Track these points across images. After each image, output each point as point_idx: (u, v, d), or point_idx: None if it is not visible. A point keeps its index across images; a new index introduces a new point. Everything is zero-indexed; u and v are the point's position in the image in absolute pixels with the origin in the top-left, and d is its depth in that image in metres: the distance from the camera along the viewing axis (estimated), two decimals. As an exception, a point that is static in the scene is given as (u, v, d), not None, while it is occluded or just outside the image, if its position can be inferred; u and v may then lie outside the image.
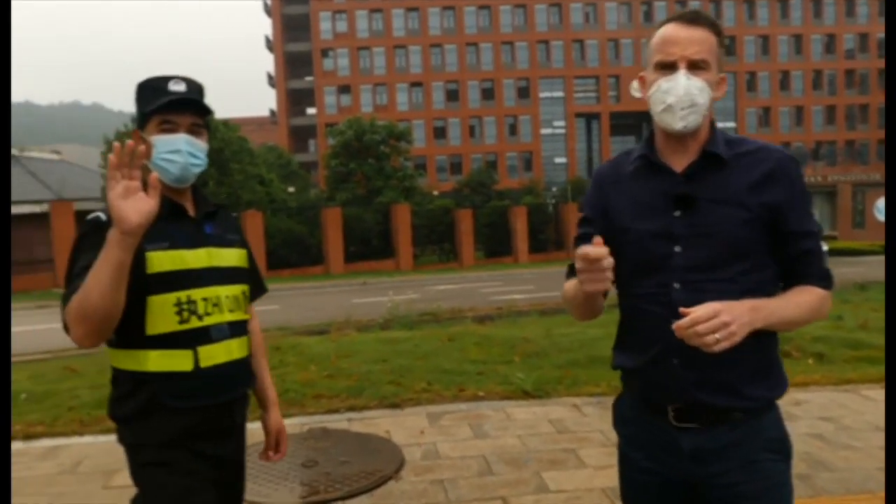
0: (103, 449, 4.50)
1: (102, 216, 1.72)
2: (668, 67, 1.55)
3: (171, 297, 1.75)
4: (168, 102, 1.78)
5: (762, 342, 1.54)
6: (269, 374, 2.16)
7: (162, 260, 1.75)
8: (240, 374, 1.93)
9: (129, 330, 1.71)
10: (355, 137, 36.33)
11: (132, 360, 1.76)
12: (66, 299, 1.63)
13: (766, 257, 1.57)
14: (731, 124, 59.99)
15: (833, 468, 3.72)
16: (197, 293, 1.80)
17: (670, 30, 1.57)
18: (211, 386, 1.82)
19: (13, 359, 8.87)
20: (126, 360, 1.78)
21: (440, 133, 60.16)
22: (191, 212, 1.91)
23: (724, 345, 1.37)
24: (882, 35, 59.91)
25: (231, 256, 1.94)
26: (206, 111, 1.86)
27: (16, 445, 4.66)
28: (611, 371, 5.94)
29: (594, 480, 3.62)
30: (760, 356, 1.58)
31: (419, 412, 4.95)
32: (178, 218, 1.84)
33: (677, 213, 1.57)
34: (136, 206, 1.54)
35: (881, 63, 59.55)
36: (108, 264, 1.54)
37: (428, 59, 60.04)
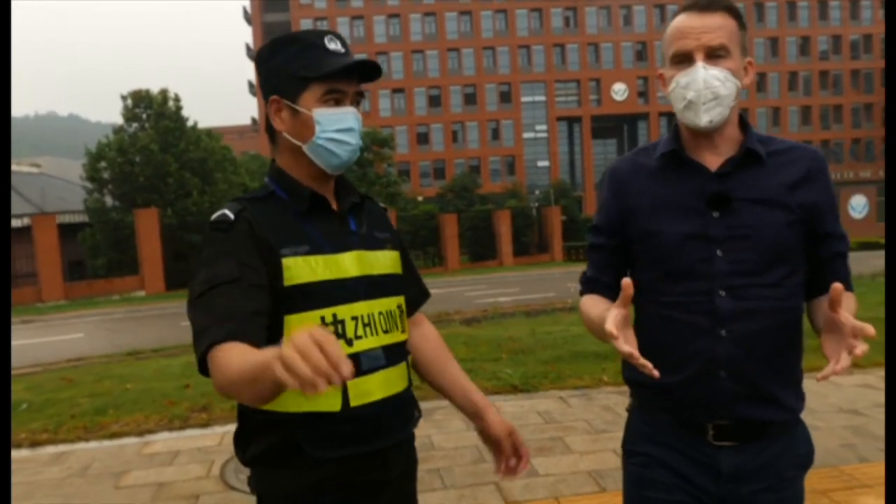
0: (110, 453, 4.67)
1: (230, 214, 1.39)
2: (684, 60, 1.43)
3: (314, 316, 1.39)
4: (340, 68, 1.40)
5: (796, 348, 1.50)
6: (468, 379, 1.71)
7: (301, 268, 1.39)
8: (399, 413, 1.52)
9: None
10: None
11: None
12: (202, 335, 1.27)
13: (802, 261, 1.49)
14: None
15: (801, 448, 4.00)
16: (345, 310, 1.42)
17: (683, 20, 1.44)
18: (363, 430, 1.43)
19: (7, 370, 8.98)
20: None
21: (423, 139, 60.49)
22: (333, 205, 1.51)
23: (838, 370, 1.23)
24: (854, 37, 61.18)
25: (384, 261, 1.55)
26: (374, 76, 1.48)
27: (22, 453, 4.81)
28: (593, 365, 6.26)
29: (580, 464, 3.87)
30: (795, 363, 1.52)
31: (412, 409, 5.18)
32: (320, 213, 1.47)
33: (716, 214, 1.45)
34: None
35: (853, 64, 60.80)
36: (260, 383, 1.11)
37: (410, 64, 60.40)
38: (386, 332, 1.49)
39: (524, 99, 61.77)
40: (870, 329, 1.18)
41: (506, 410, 5.00)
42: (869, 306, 9.64)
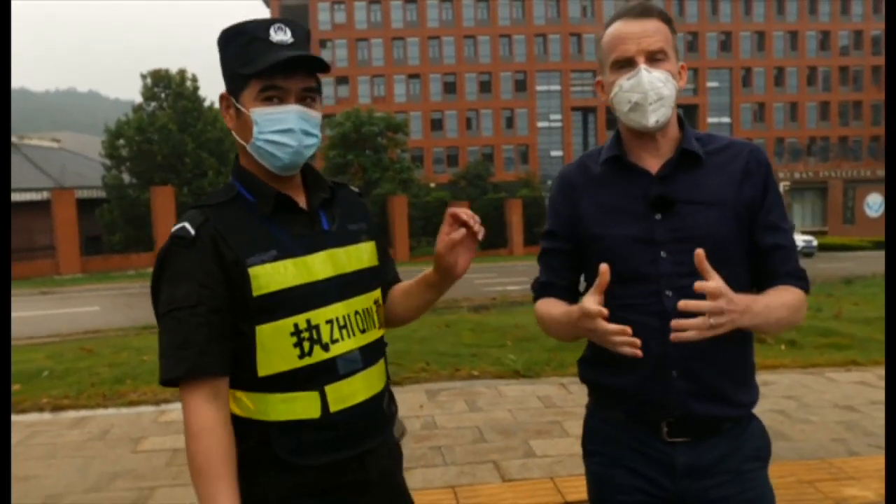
0: (128, 419, 4.89)
1: (190, 229, 1.33)
2: (626, 65, 1.48)
3: (287, 324, 1.34)
4: (274, 64, 1.31)
5: (746, 347, 1.53)
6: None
7: (270, 276, 1.33)
8: (378, 414, 1.48)
9: (237, 370, 1.34)
10: (353, 129, 36.63)
11: (246, 404, 1.36)
12: (164, 359, 1.30)
13: (746, 257, 1.52)
14: (726, 120, 60.45)
15: (790, 439, 4.14)
16: (319, 315, 1.37)
17: (621, 26, 1.49)
18: (343, 436, 1.39)
19: (27, 341, 9.26)
20: (240, 403, 1.37)
21: (437, 125, 60.44)
22: (301, 203, 1.44)
23: (704, 335, 1.30)
24: (876, 32, 60.36)
25: (358, 256, 1.48)
26: (321, 69, 1.38)
27: (45, 416, 5.06)
28: None
29: (575, 447, 4.00)
30: (744, 362, 1.55)
31: (418, 389, 5.36)
32: (287, 214, 1.40)
33: (658, 217, 1.49)
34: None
35: (875, 60, 60.03)
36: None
37: (426, 51, 60.25)
38: (363, 331, 1.45)
39: (539, 88, 61.53)
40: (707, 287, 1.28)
41: (507, 394, 5.18)
42: (880, 307, 9.71)
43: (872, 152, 52.77)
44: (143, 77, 28.10)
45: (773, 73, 61.90)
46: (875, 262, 22.19)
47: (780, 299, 1.44)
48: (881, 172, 43.07)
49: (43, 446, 4.37)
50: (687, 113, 61.54)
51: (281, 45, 1.34)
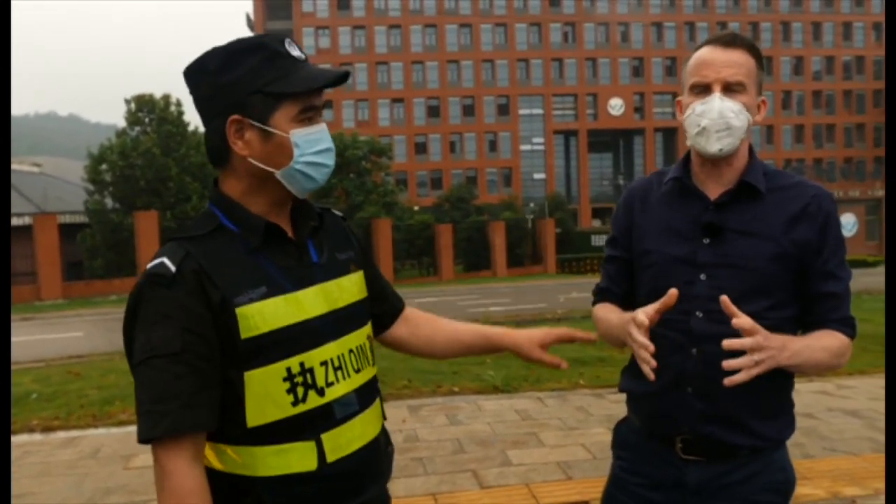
0: (118, 438, 5.02)
1: (170, 266, 1.19)
2: (703, 90, 1.51)
3: (279, 369, 1.22)
4: (325, 83, 1.24)
5: (778, 382, 1.50)
6: (464, 323, 1.63)
7: (261, 315, 1.21)
8: (377, 460, 1.38)
9: (223, 421, 1.20)
10: (337, 153, 36.50)
11: (235, 460, 1.24)
12: (143, 416, 1.15)
13: (791, 296, 1.52)
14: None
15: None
16: (314, 356, 1.26)
17: (706, 52, 1.52)
18: (341, 486, 1.29)
19: (12, 366, 9.32)
20: (227, 459, 1.24)
21: (421, 148, 60.97)
22: (289, 232, 1.32)
23: (748, 374, 1.31)
24: (847, 58, 61.99)
25: (350, 288, 1.38)
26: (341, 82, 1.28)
27: (35, 437, 5.17)
28: (571, 370, 6.75)
29: (550, 456, 4.26)
30: (774, 395, 1.53)
31: (400, 405, 5.55)
32: (275, 246, 1.28)
33: (706, 241, 1.52)
34: None
35: (846, 85, 61.69)
36: None
37: (409, 75, 60.97)
38: (357, 371, 1.35)
39: (522, 112, 62.35)
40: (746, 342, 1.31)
41: (486, 408, 5.39)
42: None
43: (845, 174, 53.97)
44: (128, 102, 28.27)
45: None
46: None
47: (822, 343, 1.47)
48: (854, 193, 44.09)
49: (36, 465, 4.49)
50: (668, 135, 62.64)
51: (302, 61, 1.26)
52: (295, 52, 1.25)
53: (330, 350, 1.29)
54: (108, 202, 27.61)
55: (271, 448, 1.22)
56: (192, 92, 1.28)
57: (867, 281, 21.29)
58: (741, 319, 1.32)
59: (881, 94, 63.53)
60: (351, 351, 1.34)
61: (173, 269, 1.17)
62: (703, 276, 1.51)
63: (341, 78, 1.26)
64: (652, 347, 1.39)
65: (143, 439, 1.14)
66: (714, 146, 1.49)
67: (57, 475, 4.30)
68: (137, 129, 28.30)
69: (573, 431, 4.75)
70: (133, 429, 4.64)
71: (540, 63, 62.47)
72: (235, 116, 1.23)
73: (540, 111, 62.61)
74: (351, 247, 1.45)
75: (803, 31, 63.24)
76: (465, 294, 21.82)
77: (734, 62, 1.50)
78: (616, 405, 5.30)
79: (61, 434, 5.22)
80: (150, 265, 1.20)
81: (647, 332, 1.42)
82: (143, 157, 26.73)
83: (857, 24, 63.72)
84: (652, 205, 1.64)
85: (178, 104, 28.45)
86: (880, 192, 43.98)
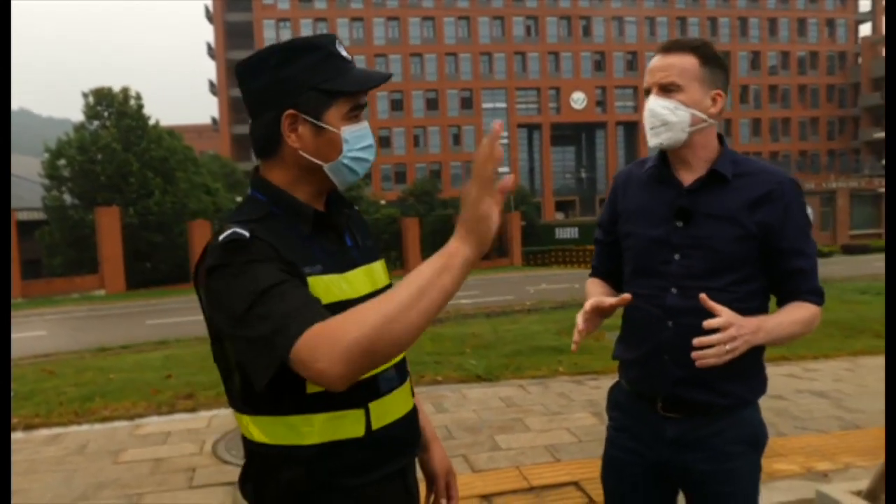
0: (103, 434, 5.00)
1: (244, 232, 1.22)
2: (647, 94, 1.70)
3: None
4: (376, 83, 1.34)
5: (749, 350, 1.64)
6: (422, 409, 1.61)
7: (323, 288, 1.27)
8: (412, 431, 1.48)
9: (282, 390, 1.24)
10: (301, 147, 36.39)
11: (287, 430, 1.29)
12: (277, 336, 1.11)
13: (757, 271, 1.67)
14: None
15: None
16: None
17: (651, 61, 1.70)
18: (386, 452, 1.38)
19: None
20: (277, 431, 1.30)
21: (385, 142, 60.75)
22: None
23: (723, 359, 1.48)
24: (801, 54, 63.65)
25: (381, 272, 1.48)
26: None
27: (18, 435, 5.10)
28: (550, 358, 6.96)
29: (537, 440, 4.39)
30: (744, 360, 1.61)
31: (385, 396, 5.63)
32: (321, 232, 1.36)
33: (679, 224, 1.68)
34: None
35: (800, 79, 63.34)
36: (446, 287, 1.12)
37: (373, 68, 60.58)
38: None
39: (485, 105, 62.60)
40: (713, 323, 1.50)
41: (471, 396, 5.50)
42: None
43: (800, 166, 55.53)
44: (85, 96, 27.48)
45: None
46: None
47: (793, 317, 1.64)
48: (809, 185, 45.35)
49: (22, 462, 4.43)
50: (629, 129, 63.55)
51: (350, 62, 1.33)
52: (344, 53, 1.33)
53: None
54: (67, 198, 26.89)
55: (327, 415, 1.29)
56: (247, 84, 1.34)
57: (822, 271, 21.64)
58: (716, 320, 1.49)
59: (834, 89, 65.55)
60: None
61: (247, 234, 1.21)
62: (676, 256, 1.67)
63: (386, 79, 1.35)
64: (579, 335, 1.68)
65: (283, 356, 1.10)
66: (653, 141, 1.68)
67: (45, 472, 4.27)
68: (96, 123, 27.59)
69: (557, 416, 4.89)
70: (118, 424, 4.63)
71: (503, 57, 62.78)
72: (291, 111, 1.28)
73: (503, 105, 62.92)
74: (371, 236, 1.54)
75: (760, 26, 64.76)
76: (433, 287, 21.84)
77: (668, 65, 1.65)
78: (596, 391, 5.47)
79: (44, 431, 5.17)
80: (221, 237, 1.21)
81: (591, 316, 1.68)
82: (102, 151, 26.08)
83: (811, 20, 65.51)
84: (633, 191, 1.80)
85: (138, 97, 27.80)
86: (834, 185, 45.34)
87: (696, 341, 1.49)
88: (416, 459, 1.56)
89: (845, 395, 5.31)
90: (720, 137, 1.74)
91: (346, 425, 1.30)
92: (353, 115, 1.33)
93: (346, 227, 1.43)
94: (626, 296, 1.65)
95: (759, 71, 65.10)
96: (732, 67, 63.40)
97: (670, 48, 1.68)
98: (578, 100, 62.17)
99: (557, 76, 63.11)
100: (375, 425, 1.34)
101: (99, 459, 4.46)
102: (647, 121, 1.68)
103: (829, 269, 23.47)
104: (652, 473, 1.77)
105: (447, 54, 61.77)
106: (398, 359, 1.44)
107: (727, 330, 1.47)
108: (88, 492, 3.91)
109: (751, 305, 1.63)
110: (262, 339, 1.13)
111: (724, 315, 1.49)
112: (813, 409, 4.92)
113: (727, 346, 1.47)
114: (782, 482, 3.62)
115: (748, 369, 1.70)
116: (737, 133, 64.39)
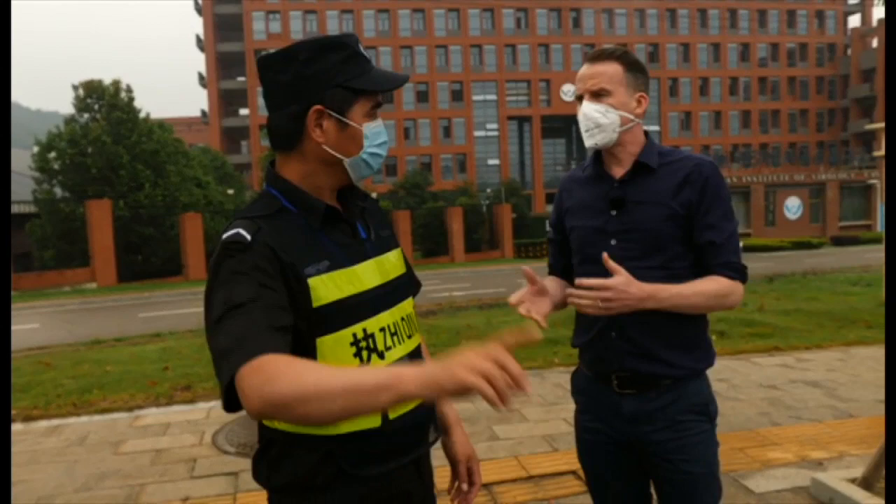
0: (103, 425, 5.03)
1: (246, 234, 1.27)
2: (580, 100, 1.85)
3: (347, 334, 1.34)
4: (398, 83, 1.41)
5: (687, 320, 1.79)
6: None
7: (327, 287, 1.32)
8: (428, 419, 1.50)
9: None
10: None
11: None
12: (226, 357, 1.15)
13: (686, 249, 1.80)
14: (655, 127, 62.75)
15: (722, 414, 4.60)
16: (373, 323, 1.39)
17: (581, 70, 1.85)
18: (402, 442, 1.42)
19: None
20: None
21: (376, 135, 60.52)
22: (342, 212, 1.45)
23: (597, 312, 1.66)
24: (791, 45, 63.88)
25: (395, 262, 1.52)
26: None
27: (17, 426, 5.12)
28: (545, 349, 7.02)
29: (534, 430, 4.45)
30: (684, 331, 1.80)
31: (383, 387, 5.67)
32: (333, 225, 1.40)
33: (613, 213, 1.83)
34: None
35: (790, 71, 63.58)
36: (378, 404, 1.06)
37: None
38: (409, 337, 1.49)
39: (475, 98, 62.49)
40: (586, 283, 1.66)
41: (468, 387, 5.55)
42: (798, 300, 10.57)
43: (790, 158, 55.72)
44: (75, 88, 27.25)
45: (698, 83, 64.70)
46: (795, 261, 23.62)
47: (696, 288, 1.73)
48: (798, 177, 45.56)
49: (23, 453, 4.47)
50: (618, 121, 63.32)
51: (371, 62, 1.40)
52: (366, 53, 1.40)
53: (386, 318, 1.42)
54: (58, 191, 26.70)
55: None
56: (272, 77, 1.36)
57: (812, 262, 22.29)
58: (586, 280, 1.67)
59: (823, 81, 65.86)
60: (402, 318, 1.48)
61: (248, 238, 1.26)
62: (613, 242, 1.82)
63: (406, 80, 1.42)
64: (524, 314, 1.71)
65: (225, 384, 1.14)
66: (589, 142, 1.84)
67: (46, 462, 4.30)
68: (87, 116, 27.37)
69: (554, 407, 4.95)
70: (117, 416, 4.68)
71: (493, 49, 62.65)
72: (318, 106, 1.33)
73: (493, 97, 62.84)
74: (388, 226, 1.58)
75: (749, 18, 64.91)
76: (425, 280, 21.59)
77: (596, 73, 1.80)
78: (592, 381, 5.52)
79: (43, 423, 5.19)
80: (225, 236, 1.28)
81: (529, 297, 1.76)
82: (93, 144, 25.91)
83: (800, 11, 65.72)
84: (575, 190, 1.98)
85: (129, 90, 27.58)
86: (823, 177, 45.45)
87: (577, 282, 1.68)
88: (437, 444, 1.57)
89: (838, 384, 5.40)
90: (646, 133, 1.90)
91: (364, 416, 1.31)
92: (373, 113, 1.39)
93: (359, 220, 1.47)
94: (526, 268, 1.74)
95: (749, 63, 65.31)
96: (723, 59, 63.79)
97: (597, 57, 1.82)
98: (569, 92, 62.04)
99: (548, 68, 63.08)
100: (392, 415, 1.37)
101: (99, 450, 4.49)
102: (582, 124, 1.82)
103: (820, 260, 23.65)
104: (620, 450, 1.88)
105: (437, 46, 61.59)
106: (413, 347, 1.49)
107: (602, 292, 1.63)
108: (90, 482, 3.93)
109: (684, 281, 1.75)
110: (220, 353, 1.17)
111: (619, 276, 1.65)
112: (807, 399, 5.01)
113: (601, 304, 1.64)
114: (777, 470, 3.69)
115: (691, 340, 1.83)
116: (727, 125, 64.67)
